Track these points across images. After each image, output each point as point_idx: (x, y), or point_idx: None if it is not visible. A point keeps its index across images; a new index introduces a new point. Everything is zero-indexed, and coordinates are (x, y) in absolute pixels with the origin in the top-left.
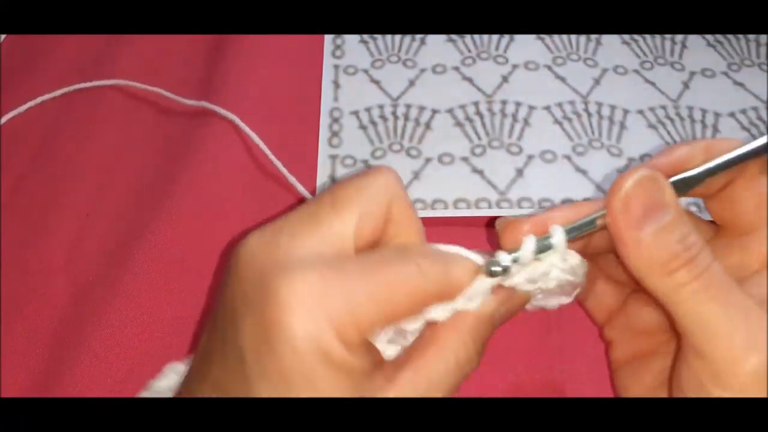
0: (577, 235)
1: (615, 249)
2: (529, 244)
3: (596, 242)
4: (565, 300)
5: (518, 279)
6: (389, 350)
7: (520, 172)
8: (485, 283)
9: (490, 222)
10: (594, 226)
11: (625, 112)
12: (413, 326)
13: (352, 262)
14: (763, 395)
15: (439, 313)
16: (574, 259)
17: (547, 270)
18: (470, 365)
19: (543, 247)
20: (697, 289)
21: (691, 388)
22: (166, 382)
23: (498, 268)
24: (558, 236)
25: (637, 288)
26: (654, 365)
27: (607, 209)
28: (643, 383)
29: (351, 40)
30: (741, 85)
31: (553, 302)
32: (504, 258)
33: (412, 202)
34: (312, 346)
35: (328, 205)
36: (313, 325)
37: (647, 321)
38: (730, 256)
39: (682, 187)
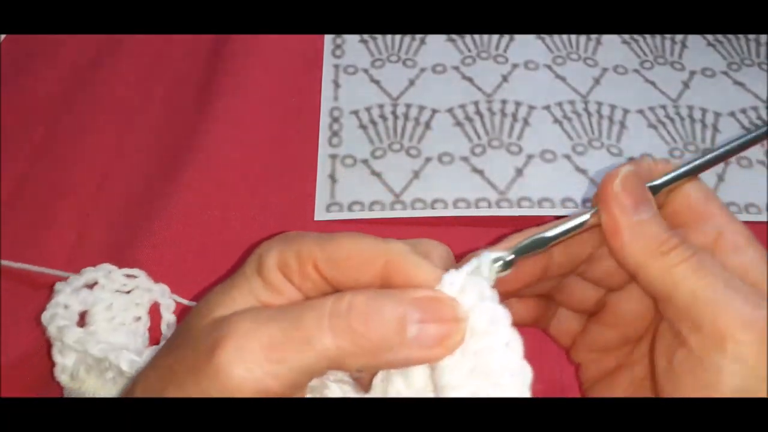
0: (564, 238)
1: (578, 263)
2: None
3: (557, 266)
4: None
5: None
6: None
7: (519, 172)
8: None
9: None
10: (581, 227)
11: (625, 111)
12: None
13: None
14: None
15: None
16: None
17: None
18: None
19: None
20: (690, 267)
21: (690, 369)
22: None
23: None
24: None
25: (595, 309)
26: (622, 379)
27: (600, 200)
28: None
29: (351, 39)
30: (741, 84)
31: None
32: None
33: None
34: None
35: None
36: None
37: (608, 338)
38: None
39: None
